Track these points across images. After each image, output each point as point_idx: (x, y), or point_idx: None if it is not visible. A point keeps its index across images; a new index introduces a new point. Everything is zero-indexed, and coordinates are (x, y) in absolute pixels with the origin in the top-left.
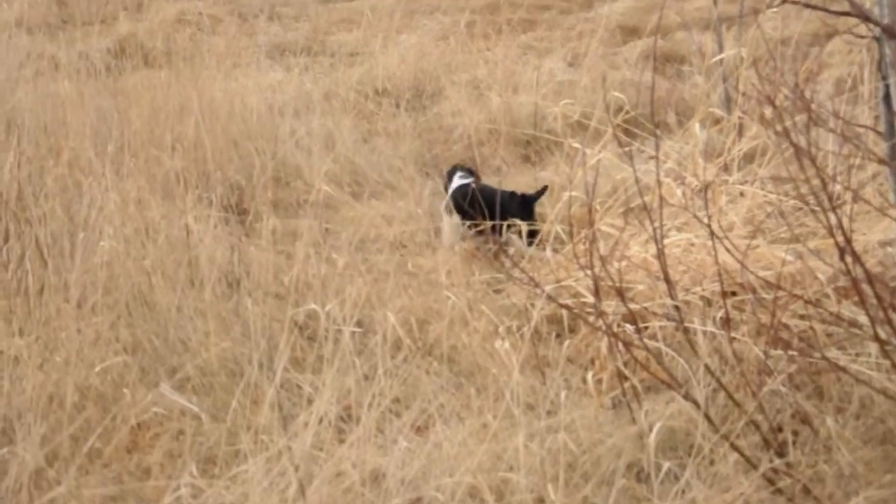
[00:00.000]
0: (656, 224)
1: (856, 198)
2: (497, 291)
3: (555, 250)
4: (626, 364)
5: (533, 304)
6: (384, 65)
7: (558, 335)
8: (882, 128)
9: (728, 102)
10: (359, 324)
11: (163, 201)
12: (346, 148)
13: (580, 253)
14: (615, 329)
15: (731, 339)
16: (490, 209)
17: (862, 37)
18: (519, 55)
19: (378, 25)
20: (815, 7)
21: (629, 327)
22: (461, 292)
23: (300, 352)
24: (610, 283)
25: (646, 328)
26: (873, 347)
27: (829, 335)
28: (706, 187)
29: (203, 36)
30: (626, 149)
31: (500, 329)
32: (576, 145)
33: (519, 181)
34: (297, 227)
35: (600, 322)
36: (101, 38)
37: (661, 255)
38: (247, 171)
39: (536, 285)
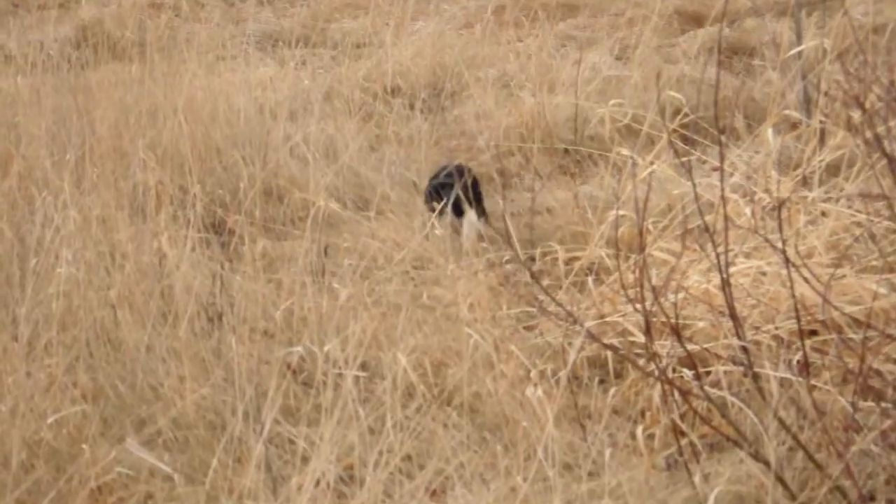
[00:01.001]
0: (720, 249)
1: None
2: (528, 328)
3: (598, 280)
4: (682, 417)
5: (571, 344)
6: (396, 58)
7: (602, 381)
8: None
9: (807, 104)
10: (363, 367)
11: (131, 220)
12: (351, 157)
13: (629, 283)
14: (670, 374)
15: (811, 388)
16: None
17: None
18: (557, 47)
19: (389, 11)
20: None
21: (687, 372)
22: (486, 329)
23: (293, 400)
24: (664, 320)
25: (707, 374)
26: None
27: None
28: (780, 205)
29: (181, 23)
30: (685, 159)
31: (532, 373)
32: (625, 153)
33: (558, 196)
34: (291, 251)
35: (652, 366)
36: (59, 25)
37: (725, 286)
38: (232, 185)
39: (575, 321)
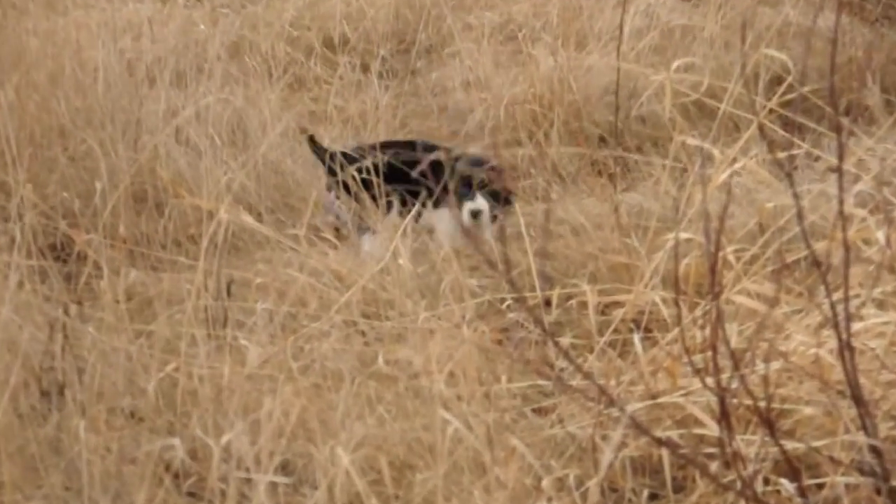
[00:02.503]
0: (838, 295)
1: None
2: (540, 412)
3: (649, 338)
4: None
5: (606, 438)
6: None
7: (654, 497)
8: None
9: None
10: (284, 468)
11: None
12: (270, 145)
13: (696, 345)
14: (760, 488)
15: None
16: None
17: None
18: None
19: None
20: None
21: (787, 485)
22: (474, 413)
23: None
24: (750, 403)
25: (819, 487)
26: None
27: None
28: None
29: None
30: (786, 154)
31: (545, 483)
32: (693, 143)
33: (588, 209)
34: (174, 289)
35: (732, 474)
36: None
37: (846, 351)
38: (84, 185)
39: (612, 402)
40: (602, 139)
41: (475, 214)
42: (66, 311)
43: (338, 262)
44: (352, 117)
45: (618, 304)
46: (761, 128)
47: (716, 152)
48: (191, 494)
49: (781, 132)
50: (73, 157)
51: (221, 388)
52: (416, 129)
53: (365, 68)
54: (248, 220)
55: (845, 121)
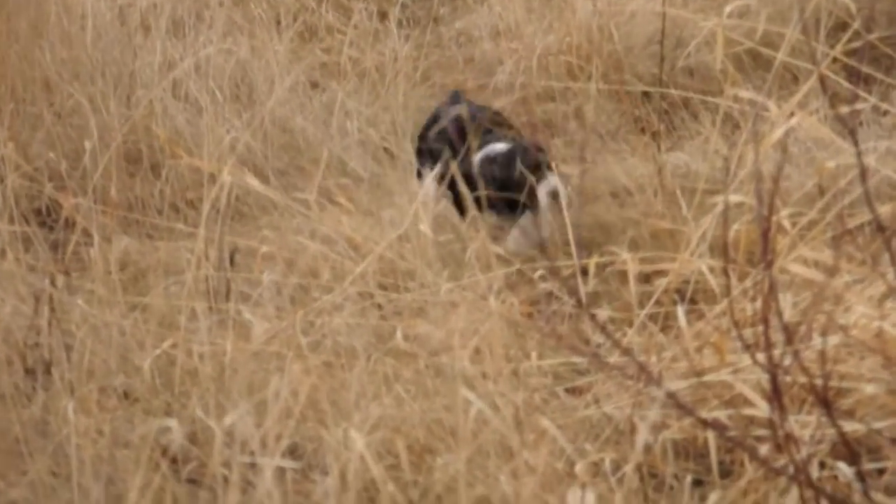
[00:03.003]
0: None
1: None
2: (574, 392)
3: (694, 311)
4: None
5: (645, 419)
6: None
7: (698, 483)
8: None
9: None
10: (293, 453)
11: None
12: (278, 100)
13: (746, 318)
14: (815, 473)
15: None
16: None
17: None
18: None
19: None
20: None
21: (846, 469)
22: (500, 393)
23: None
24: (805, 381)
25: (880, 473)
26: None
27: None
28: None
29: None
30: (850, 108)
31: (579, 467)
32: (746, 96)
33: (630, 169)
34: (172, 259)
35: (785, 458)
36: None
37: None
38: (72, 144)
39: (652, 380)
40: (645, 94)
41: (554, 196)
42: (52, 283)
43: (352, 228)
44: (368, 70)
45: (660, 274)
46: (822, 79)
47: (771, 106)
48: (190, 481)
49: (845, 84)
50: (60, 114)
51: (224, 366)
52: (440, 83)
53: (382, 16)
54: (254, 182)
55: None
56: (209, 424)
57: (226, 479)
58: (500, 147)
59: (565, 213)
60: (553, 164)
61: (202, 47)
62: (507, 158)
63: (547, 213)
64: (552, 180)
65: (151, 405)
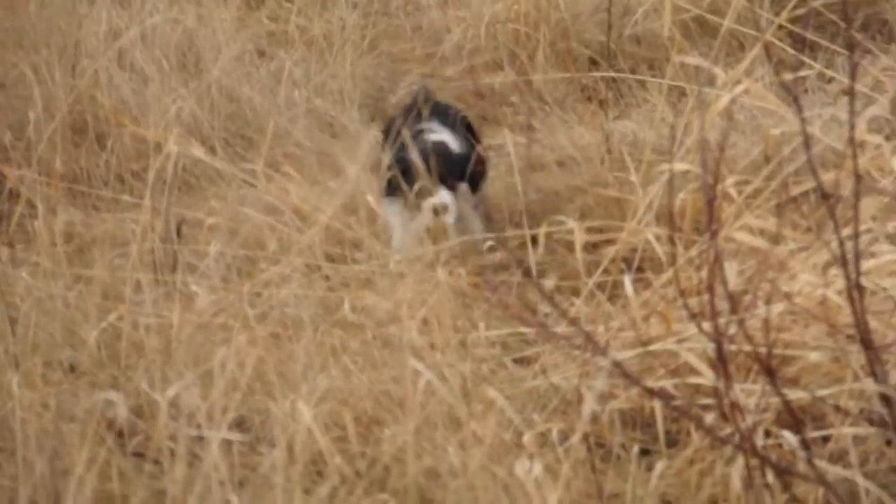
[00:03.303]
0: (848, 231)
1: None
2: (521, 362)
3: (641, 280)
4: None
5: (592, 389)
6: None
7: (645, 452)
8: None
9: None
10: (240, 425)
11: None
12: (223, 69)
13: (692, 286)
14: (760, 441)
15: None
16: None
17: None
18: None
19: None
20: None
21: (790, 437)
22: (448, 363)
23: (118, 483)
24: (750, 349)
25: (824, 440)
26: None
27: None
28: None
29: None
30: (794, 76)
31: (527, 437)
32: (692, 63)
33: (576, 138)
34: (117, 230)
35: (730, 427)
36: None
37: (855, 292)
38: (15, 115)
39: (600, 350)
40: (592, 61)
41: (436, 211)
42: None
43: (299, 198)
44: (316, 38)
45: (608, 243)
46: (767, 46)
47: (718, 73)
48: (136, 454)
49: (790, 51)
50: (3, 84)
51: (170, 338)
52: (387, 52)
53: None
54: (200, 153)
55: (860, 37)
56: (155, 397)
57: (172, 453)
58: (434, 137)
59: (450, 231)
60: (463, 186)
61: (148, 16)
62: (435, 149)
63: (422, 223)
64: (444, 196)
65: (97, 378)
